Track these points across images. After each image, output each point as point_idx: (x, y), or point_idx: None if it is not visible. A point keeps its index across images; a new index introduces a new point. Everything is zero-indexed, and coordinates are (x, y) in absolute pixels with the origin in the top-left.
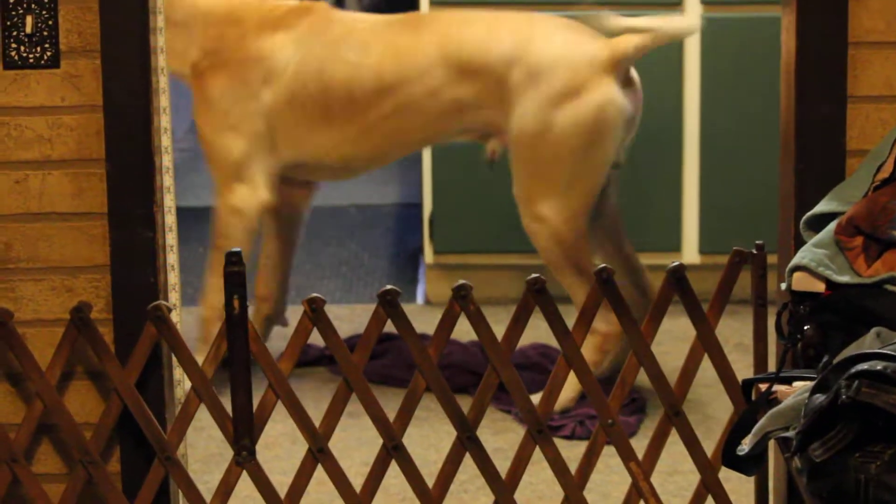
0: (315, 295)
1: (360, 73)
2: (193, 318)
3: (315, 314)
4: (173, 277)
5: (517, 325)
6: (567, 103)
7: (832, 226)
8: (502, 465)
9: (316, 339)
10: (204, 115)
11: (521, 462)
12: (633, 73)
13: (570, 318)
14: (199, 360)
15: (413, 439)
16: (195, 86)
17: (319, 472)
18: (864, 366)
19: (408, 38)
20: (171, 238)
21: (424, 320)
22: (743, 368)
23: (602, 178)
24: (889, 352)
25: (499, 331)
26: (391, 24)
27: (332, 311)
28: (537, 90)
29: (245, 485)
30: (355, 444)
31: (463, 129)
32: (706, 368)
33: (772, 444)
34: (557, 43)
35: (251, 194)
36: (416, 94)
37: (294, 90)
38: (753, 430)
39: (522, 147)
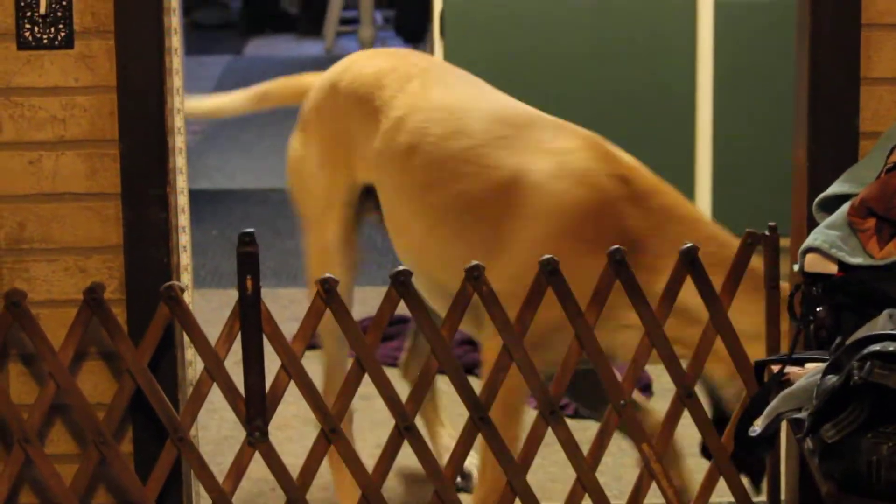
0: (328, 275)
1: None
2: (205, 299)
3: (328, 295)
4: (186, 258)
5: (529, 306)
6: None
7: (845, 207)
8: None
9: None
10: None
11: (533, 443)
12: None
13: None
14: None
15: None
16: None
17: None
18: (876, 347)
19: None
20: (184, 219)
21: None
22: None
23: None
24: None
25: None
26: None
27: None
28: None
29: (257, 466)
30: (368, 425)
31: None
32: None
33: (784, 425)
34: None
35: None
36: None
37: None
38: (766, 412)
39: None
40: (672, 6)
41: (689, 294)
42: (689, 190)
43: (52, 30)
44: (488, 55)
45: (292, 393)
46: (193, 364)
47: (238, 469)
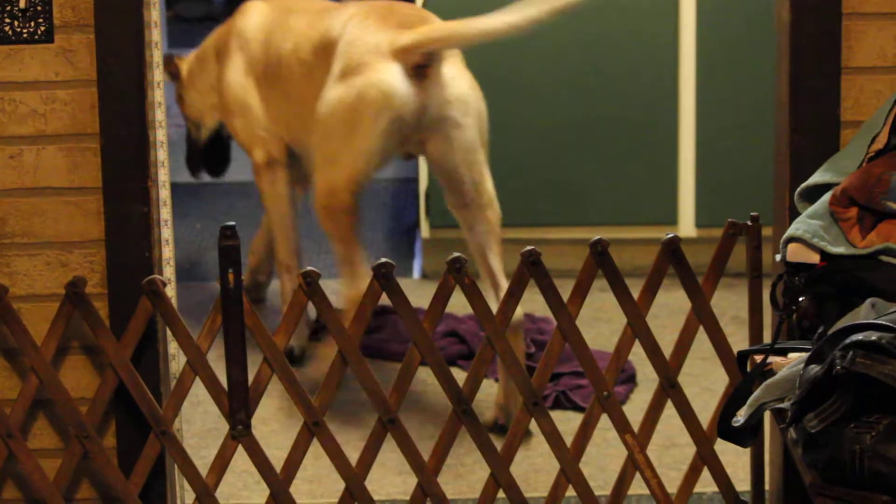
0: (310, 268)
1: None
2: (188, 292)
3: (310, 288)
4: (168, 252)
5: (512, 297)
6: (341, 82)
7: (827, 197)
8: (498, 438)
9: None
10: None
11: (516, 435)
12: (446, 69)
13: (566, 291)
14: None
15: (409, 413)
16: None
17: (315, 446)
18: (858, 336)
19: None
20: (166, 213)
21: (421, 295)
22: (738, 340)
23: (370, 156)
24: (884, 322)
25: (493, 304)
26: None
27: (327, 285)
28: (333, 69)
29: (241, 459)
30: (351, 417)
31: None
32: (702, 340)
33: (767, 415)
34: (356, 27)
35: None
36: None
37: None
38: (749, 402)
39: (317, 121)
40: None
41: None
42: (672, 180)
43: (32, 24)
44: (470, 48)
45: (276, 387)
46: (176, 358)
47: (222, 462)
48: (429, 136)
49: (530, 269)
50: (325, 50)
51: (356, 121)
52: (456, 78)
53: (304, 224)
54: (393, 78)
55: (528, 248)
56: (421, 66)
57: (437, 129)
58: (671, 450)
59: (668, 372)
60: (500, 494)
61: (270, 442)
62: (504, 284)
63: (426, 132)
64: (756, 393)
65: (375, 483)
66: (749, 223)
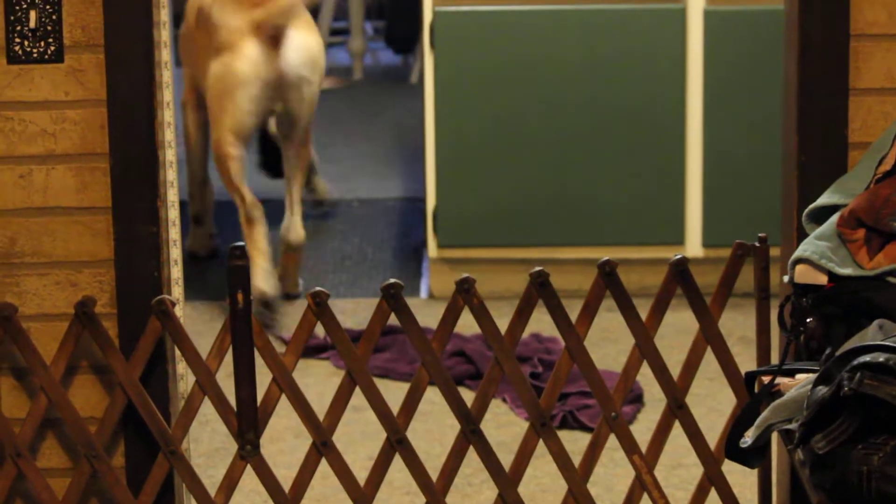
0: (319, 289)
1: None
2: (196, 311)
3: (319, 308)
4: (176, 272)
5: (520, 318)
6: (216, 58)
7: (834, 218)
8: (506, 459)
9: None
10: None
11: (524, 455)
12: (296, 35)
13: (574, 311)
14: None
15: (417, 433)
16: None
17: (324, 466)
18: (866, 358)
19: None
20: (175, 233)
21: (428, 314)
22: (746, 361)
23: (243, 117)
24: (891, 343)
25: (502, 325)
26: None
27: (336, 305)
28: (212, 43)
29: (249, 479)
30: (359, 437)
31: None
32: (709, 361)
33: (775, 436)
34: (217, 10)
35: None
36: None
37: None
38: (756, 423)
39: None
40: (662, 18)
41: None
42: (679, 201)
43: (42, 44)
44: (478, 67)
45: (284, 405)
46: (185, 377)
47: (230, 482)
48: (287, 93)
49: (539, 290)
50: (203, 20)
51: (229, 91)
52: (305, 41)
53: (311, 245)
54: (253, 53)
55: (537, 269)
56: (274, 37)
57: (293, 87)
58: (678, 470)
59: (676, 393)
60: None
61: (279, 461)
62: (298, 208)
63: (285, 90)
64: (764, 414)
65: (383, 503)
66: (757, 244)
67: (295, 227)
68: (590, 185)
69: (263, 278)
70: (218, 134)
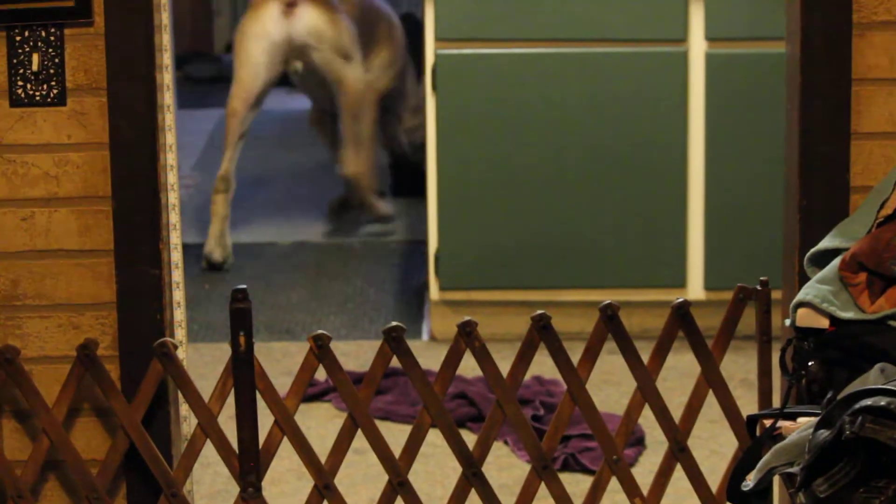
0: (321, 332)
1: None
2: (198, 353)
3: (321, 351)
4: (179, 314)
5: (522, 361)
6: (244, 17)
7: (836, 262)
8: (508, 501)
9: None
10: None
11: (526, 498)
12: (308, 9)
13: (576, 354)
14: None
15: (419, 475)
16: None
17: None
18: (867, 401)
19: None
20: (177, 275)
21: (430, 356)
22: (748, 404)
23: (252, 73)
24: (893, 387)
25: (504, 367)
26: None
27: (337, 347)
28: None
29: None
30: (361, 480)
31: None
32: (711, 404)
33: (776, 479)
34: None
35: None
36: None
37: None
38: (758, 466)
39: None
40: (664, 61)
41: None
42: (681, 243)
43: (45, 87)
44: (480, 110)
45: (286, 448)
46: (188, 419)
47: None
48: (298, 56)
49: (541, 333)
50: None
51: (245, 46)
52: (313, 15)
53: (313, 287)
54: (269, 16)
55: (539, 312)
56: (290, 4)
57: (301, 52)
58: None
59: (678, 436)
60: None
61: (280, 503)
62: (354, 141)
63: (295, 53)
64: (766, 457)
65: None
66: (758, 287)
67: (348, 158)
68: (592, 228)
69: (215, 242)
70: (233, 90)
